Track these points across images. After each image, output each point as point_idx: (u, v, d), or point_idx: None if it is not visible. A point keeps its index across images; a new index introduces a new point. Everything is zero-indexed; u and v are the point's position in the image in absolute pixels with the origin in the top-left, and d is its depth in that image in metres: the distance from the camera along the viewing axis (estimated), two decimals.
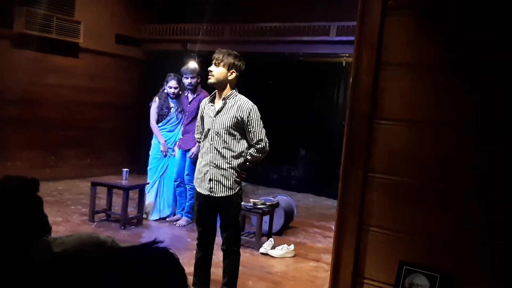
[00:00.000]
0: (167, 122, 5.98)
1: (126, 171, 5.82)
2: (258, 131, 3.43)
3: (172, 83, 5.88)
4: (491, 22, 1.73)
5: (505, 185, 1.71)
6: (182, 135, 5.85)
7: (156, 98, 5.97)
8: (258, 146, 3.44)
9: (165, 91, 5.94)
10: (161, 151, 5.93)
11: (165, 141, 5.94)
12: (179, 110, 5.95)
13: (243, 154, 3.45)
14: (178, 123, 6.00)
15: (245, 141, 3.45)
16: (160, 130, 5.94)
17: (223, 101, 3.43)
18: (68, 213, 6.04)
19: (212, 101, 3.52)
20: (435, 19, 1.84)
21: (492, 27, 1.73)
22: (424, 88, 1.85)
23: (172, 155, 5.99)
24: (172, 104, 5.96)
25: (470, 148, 1.77)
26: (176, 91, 5.90)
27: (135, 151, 6.19)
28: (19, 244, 1.23)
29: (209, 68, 3.44)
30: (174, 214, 6.14)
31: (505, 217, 1.71)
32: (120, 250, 1.09)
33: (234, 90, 3.48)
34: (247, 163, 3.48)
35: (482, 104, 1.75)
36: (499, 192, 1.72)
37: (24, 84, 7.42)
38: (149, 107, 6.00)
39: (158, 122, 5.96)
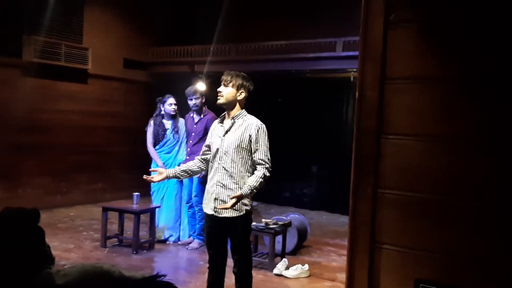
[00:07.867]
0: (164, 144, 5.99)
1: (137, 195, 5.80)
2: (263, 150, 3.39)
3: (171, 100, 5.91)
4: (494, 36, 1.71)
5: None
6: (188, 156, 5.77)
7: (151, 122, 6.00)
8: (259, 169, 3.38)
9: (161, 112, 5.96)
10: None
11: (164, 163, 5.90)
12: (175, 130, 5.96)
13: (251, 174, 3.43)
14: (175, 144, 6.00)
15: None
16: (158, 152, 5.94)
17: (232, 120, 3.44)
18: (80, 240, 6.04)
19: (222, 121, 3.53)
20: (436, 32, 1.81)
21: (494, 41, 1.70)
22: (430, 101, 1.81)
23: None
24: (168, 126, 5.97)
25: (481, 162, 1.72)
26: (176, 107, 5.92)
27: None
28: (21, 278, 1.21)
29: (218, 89, 3.46)
30: (179, 238, 6.10)
31: None
32: (123, 283, 1.07)
33: (243, 110, 3.49)
34: (254, 190, 3.32)
35: (489, 117, 1.71)
36: None
37: (34, 111, 7.50)
38: (145, 131, 6.03)
39: (155, 145, 5.97)
